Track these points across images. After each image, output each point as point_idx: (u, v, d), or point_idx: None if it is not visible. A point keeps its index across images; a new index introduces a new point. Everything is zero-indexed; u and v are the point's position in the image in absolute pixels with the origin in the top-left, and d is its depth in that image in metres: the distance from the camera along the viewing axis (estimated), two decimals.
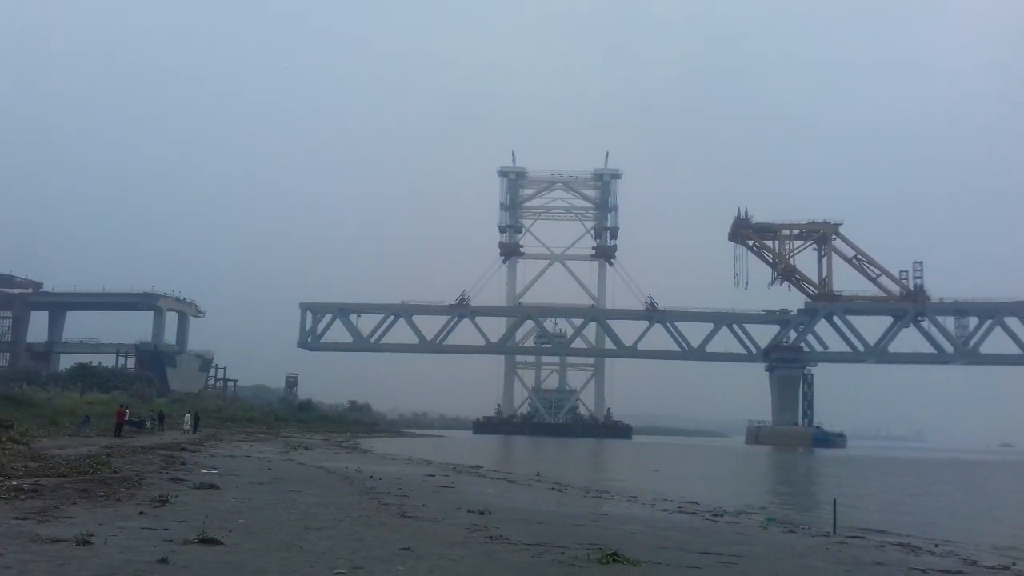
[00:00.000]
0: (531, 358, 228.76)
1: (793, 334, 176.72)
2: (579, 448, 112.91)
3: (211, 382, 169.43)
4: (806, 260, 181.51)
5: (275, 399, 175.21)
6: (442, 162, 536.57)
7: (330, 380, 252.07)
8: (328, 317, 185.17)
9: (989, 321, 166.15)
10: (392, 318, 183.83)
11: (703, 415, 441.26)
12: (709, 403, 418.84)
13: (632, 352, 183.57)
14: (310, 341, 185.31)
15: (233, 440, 64.69)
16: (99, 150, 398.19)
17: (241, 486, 24.70)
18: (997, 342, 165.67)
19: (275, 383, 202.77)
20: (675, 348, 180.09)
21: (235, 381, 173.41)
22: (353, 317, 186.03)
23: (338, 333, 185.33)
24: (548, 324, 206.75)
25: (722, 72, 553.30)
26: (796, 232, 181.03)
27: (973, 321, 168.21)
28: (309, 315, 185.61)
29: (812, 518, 28.00)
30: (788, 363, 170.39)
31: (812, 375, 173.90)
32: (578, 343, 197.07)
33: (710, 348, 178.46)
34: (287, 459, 43.32)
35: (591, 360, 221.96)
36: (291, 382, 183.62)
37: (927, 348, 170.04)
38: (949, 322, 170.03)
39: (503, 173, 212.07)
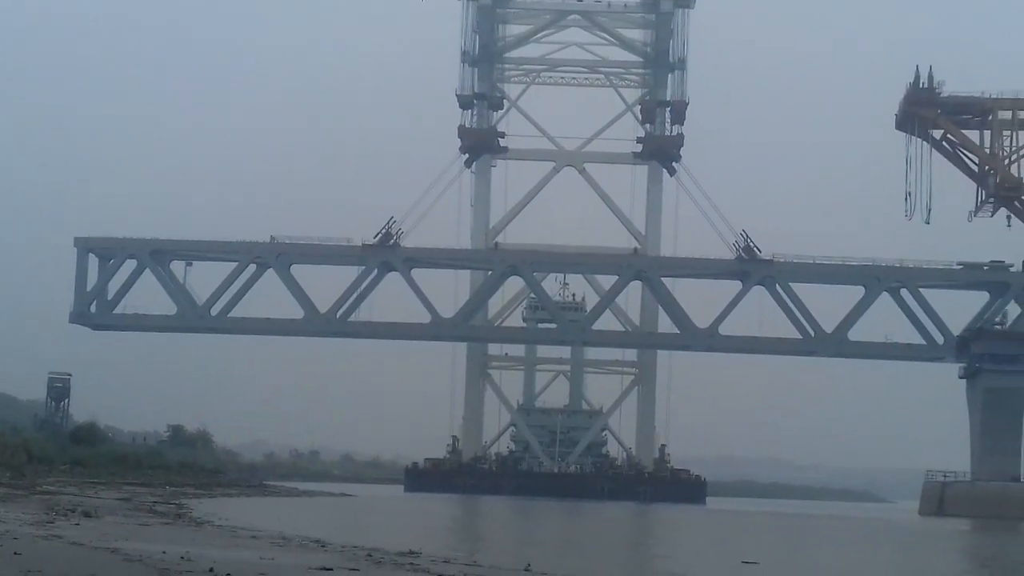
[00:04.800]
0: (517, 350, 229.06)
1: (1015, 309, 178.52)
2: (607, 519, 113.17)
3: None
4: None
5: (28, 421, 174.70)
6: None
7: (134, 387, 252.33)
8: (131, 266, 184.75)
9: None
10: (253, 269, 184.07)
11: (842, 462, 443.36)
12: (854, 440, 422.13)
13: (709, 341, 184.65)
14: (96, 312, 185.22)
15: None
16: None
17: None
18: None
19: (29, 392, 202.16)
20: (792, 334, 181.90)
21: None
22: (178, 266, 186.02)
23: (150, 296, 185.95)
24: (549, 284, 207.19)
25: None
26: None
27: None
28: (94, 261, 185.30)
29: None
30: (1003, 363, 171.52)
31: None
32: (607, 322, 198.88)
33: (856, 334, 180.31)
34: (51, 535, 43.27)
35: (632, 355, 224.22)
36: (58, 390, 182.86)
37: None
38: None
39: None
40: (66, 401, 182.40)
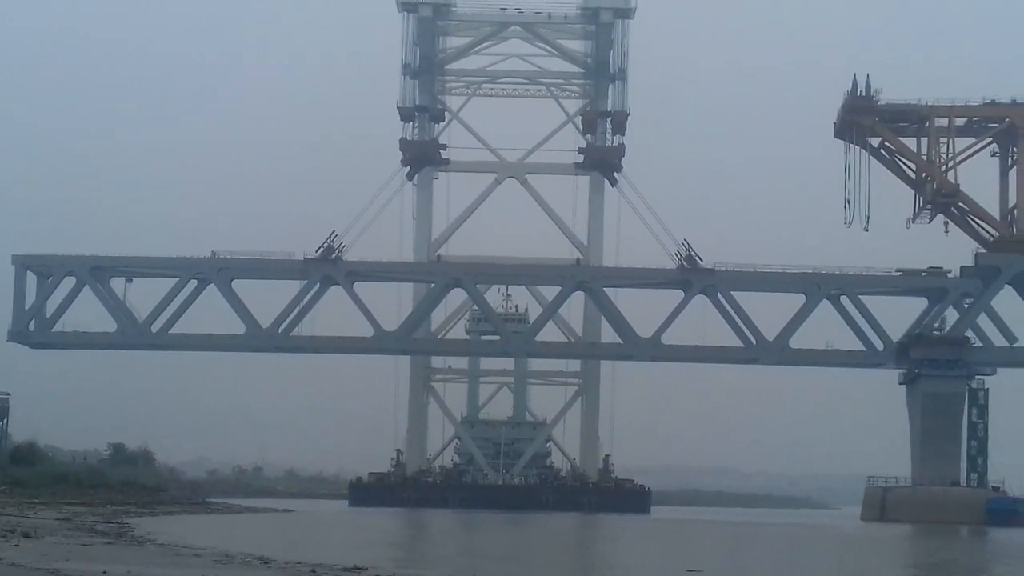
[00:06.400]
0: (461, 362, 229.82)
1: (953, 315, 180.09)
2: (552, 530, 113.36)
3: None
4: (979, 175, 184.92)
5: None
6: None
7: (74, 405, 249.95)
8: (70, 283, 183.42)
9: None
10: (194, 284, 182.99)
11: (786, 469, 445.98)
12: (797, 447, 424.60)
13: (652, 350, 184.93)
14: (34, 330, 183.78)
15: None
16: None
17: None
18: None
19: None
20: (734, 342, 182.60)
21: None
22: (118, 283, 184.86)
23: (90, 313, 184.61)
24: (492, 296, 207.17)
25: None
26: (962, 122, 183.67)
27: None
28: (32, 279, 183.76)
29: None
30: (942, 369, 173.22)
31: (986, 392, 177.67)
32: (550, 333, 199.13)
33: (797, 342, 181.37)
34: None
35: (575, 366, 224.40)
36: None
37: None
38: None
39: (408, 5, 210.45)
40: (5, 421, 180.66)
